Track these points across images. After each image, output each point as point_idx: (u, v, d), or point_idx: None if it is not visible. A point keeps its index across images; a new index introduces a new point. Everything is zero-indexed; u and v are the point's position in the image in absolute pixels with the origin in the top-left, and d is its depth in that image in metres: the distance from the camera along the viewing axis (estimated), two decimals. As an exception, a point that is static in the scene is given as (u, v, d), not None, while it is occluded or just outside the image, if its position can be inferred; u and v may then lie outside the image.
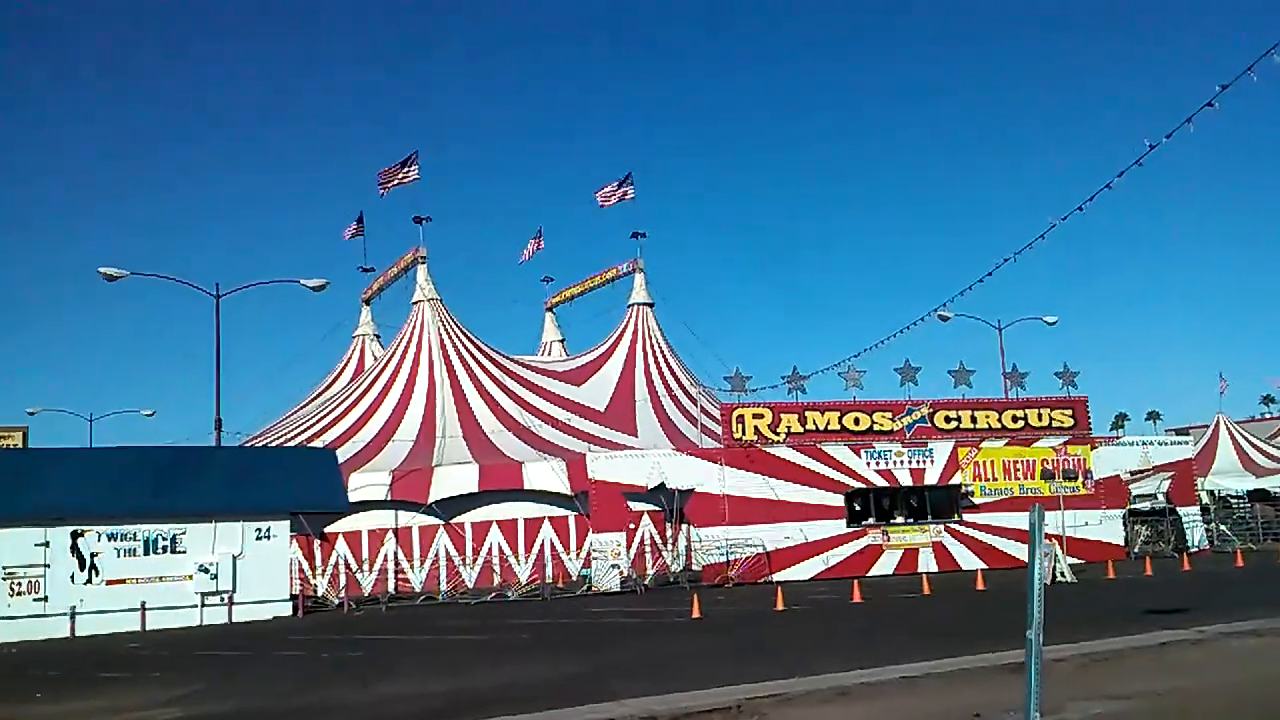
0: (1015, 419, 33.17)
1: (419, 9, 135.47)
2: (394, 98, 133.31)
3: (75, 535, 24.37)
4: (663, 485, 30.93)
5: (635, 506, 32.27)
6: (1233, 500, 45.49)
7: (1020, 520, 29.54)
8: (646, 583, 30.23)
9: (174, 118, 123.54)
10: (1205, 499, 40.24)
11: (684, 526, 33.41)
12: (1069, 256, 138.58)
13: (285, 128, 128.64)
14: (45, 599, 23.80)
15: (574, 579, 31.98)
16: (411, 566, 33.11)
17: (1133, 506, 35.10)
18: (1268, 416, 59.54)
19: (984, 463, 32.43)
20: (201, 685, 14.39)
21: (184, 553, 25.14)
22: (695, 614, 20.51)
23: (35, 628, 23.34)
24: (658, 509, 33.66)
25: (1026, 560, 7.95)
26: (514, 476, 33.59)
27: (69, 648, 21.68)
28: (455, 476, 33.37)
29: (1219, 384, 47.53)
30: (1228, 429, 46.13)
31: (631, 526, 32.80)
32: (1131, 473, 34.40)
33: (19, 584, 23.76)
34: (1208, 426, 47.04)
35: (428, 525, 33.25)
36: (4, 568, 23.70)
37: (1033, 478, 32.56)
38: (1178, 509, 35.19)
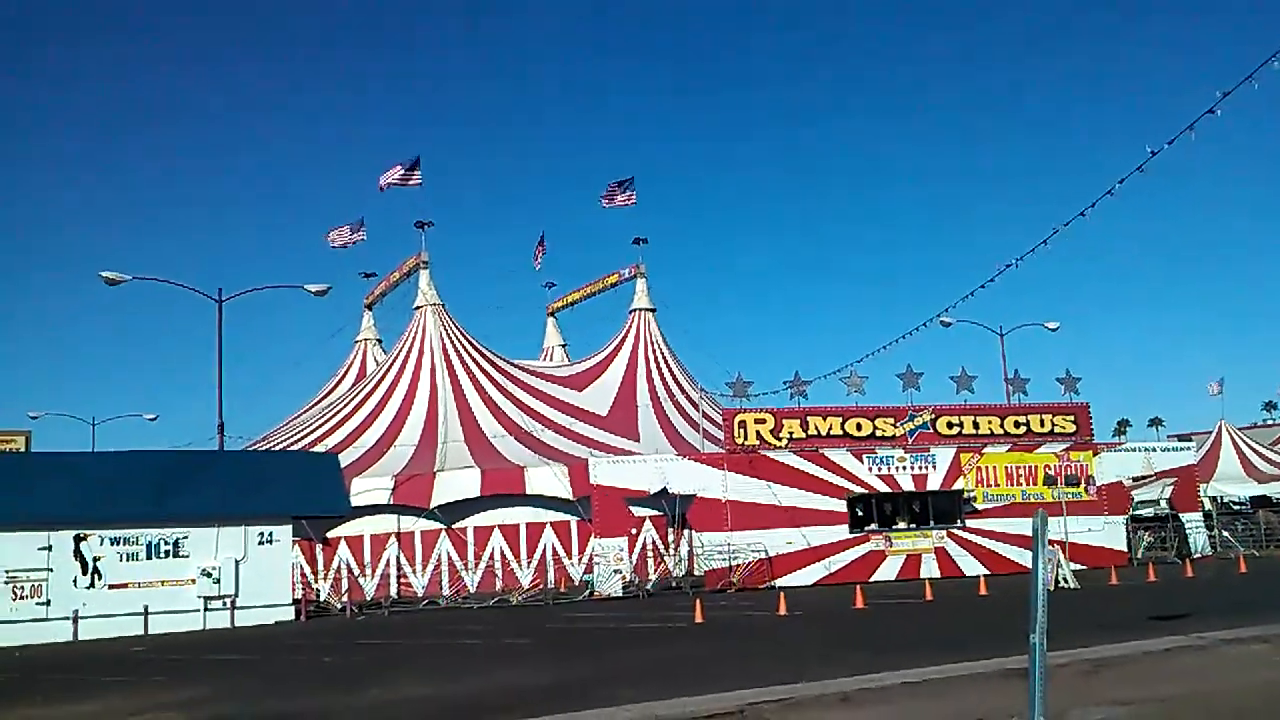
0: (1017, 425, 33.15)
1: (423, 13, 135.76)
2: (397, 102, 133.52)
3: (78, 539, 24.40)
4: (665, 490, 30.89)
5: (637, 512, 32.25)
6: (1235, 506, 45.41)
7: (1022, 526, 29.49)
8: (649, 588, 30.21)
9: (176, 123, 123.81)
10: (1208, 505, 40.16)
11: (686, 531, 33.38)
12: (1071, 263, 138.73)
13: (288, 132, 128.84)
14: (48, 603, 23.81)
15: (576, 584, 31.96)
16: (414, 571, 33.11)
17: (1135, 513, 35.03)
18: (1270, 423, 59.46)
19: (986, 468, 32.38)
20: (204, 689, 14.40)
21: (187, 557, 25.17)
22: (698, 619, 20.50)
23: (38, 632, 23.33)
24: (660, 514, 33.64)
25: (1030, 566, 7.95)
26: (516, 481, 33.59)
27: (72, 652, 21.68)
28: (457, 481, 33.37)
29: (1212, 388, 46.69)
30: (1230, 435, 46.01)
31: (634, 531, 32.77)
32: (1134, 479, 34.34)
33: (22, 588, 23.78)
34: (1210, 433, 46.89)
35: (430, 530, 33.24)
36: (7, 572, 23.72)
37: (1035, 483, 32.54)
38: (1180, 515, 35.14)
